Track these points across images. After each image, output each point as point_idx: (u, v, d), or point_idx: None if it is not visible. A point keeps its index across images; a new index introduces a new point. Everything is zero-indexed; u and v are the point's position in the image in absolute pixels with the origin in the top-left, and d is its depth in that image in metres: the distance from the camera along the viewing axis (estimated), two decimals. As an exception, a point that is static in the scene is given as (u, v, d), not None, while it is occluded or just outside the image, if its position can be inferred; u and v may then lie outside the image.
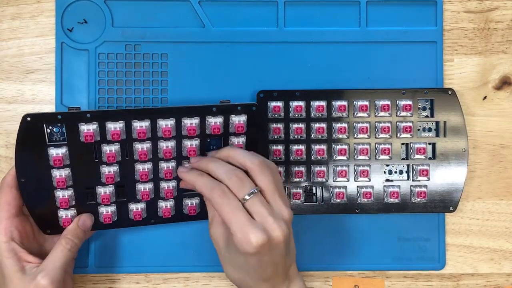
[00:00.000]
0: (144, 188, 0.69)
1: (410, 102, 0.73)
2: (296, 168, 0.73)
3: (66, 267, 0.66)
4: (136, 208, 0.70)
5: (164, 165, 0.69)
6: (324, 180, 0.73)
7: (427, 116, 0.74)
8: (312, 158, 0.73)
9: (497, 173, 0.77)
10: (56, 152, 0.65)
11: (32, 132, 0.64)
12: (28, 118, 0.63)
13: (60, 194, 0.67)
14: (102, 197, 0.68)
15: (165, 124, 0.66)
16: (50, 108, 0.75)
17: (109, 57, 0.75)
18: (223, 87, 0.74)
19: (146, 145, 0.67)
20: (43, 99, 0.75)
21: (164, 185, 0.70)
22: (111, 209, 0.70)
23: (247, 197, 0.60)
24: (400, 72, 0.76)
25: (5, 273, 0.64)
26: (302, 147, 0.73)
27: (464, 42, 0.77)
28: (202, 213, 0.72)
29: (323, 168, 0.73)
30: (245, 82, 0.75)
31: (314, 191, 0.74)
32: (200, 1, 0.75)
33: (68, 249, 0.66)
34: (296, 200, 0.73)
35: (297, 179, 0.73)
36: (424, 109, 0.74)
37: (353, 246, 0.75)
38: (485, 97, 0.77)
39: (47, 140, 0.65)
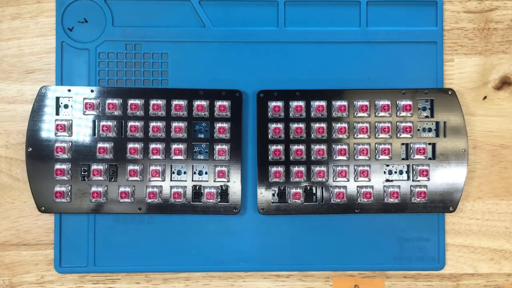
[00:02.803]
0: (133, 167, 0.73)
1: (410, 102, 0.73)
2: (296, 168, 0.73)
3: None
4: (125, 189, 0.73)
5: (152, 145, 0.74)
6: (324, 180, 0.73)
7: (427, 116, 0.74)
8: (312, 158, 0.73)
9: (497, 173, 0.77)
10: (61, 122, 0.73)
11: (46, 103, 0.73)
12: (44, 90, 0.73)
13: (58, 166, 0.73)
14: (93, 170, 0.73)
15: (156, 102, 0.73)
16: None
17: (110, 56, 0.75)
18: (223, 87, 0.74)
19: (140, 123, 0.73)
20: (43, 98, 0.75)
21: (152, 167, 0.74)
22: (102, 189, 0.73)
23: None
24: (400, 72, 0.76)
25: None
26: (302, 147, 0.73)
27: (464, 42, 0.77)
28: (187, 206, 0.74)
29: (323, 168, 0.73)
30: (245, 82, 0.75)
31: (314, 191, 0.74)
32: (200, 1, 0.75)
33: None
34: (296, 200, 0.73)
35: (297, 179, 0.73)
36: (424, 109, 0.74)
37: (353, 246, 0.75)
38: (485, 97, 0.77)
39: (58, 112, 0.74)
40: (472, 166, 0.77)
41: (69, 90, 0.73)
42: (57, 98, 0.73)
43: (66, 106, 0.74)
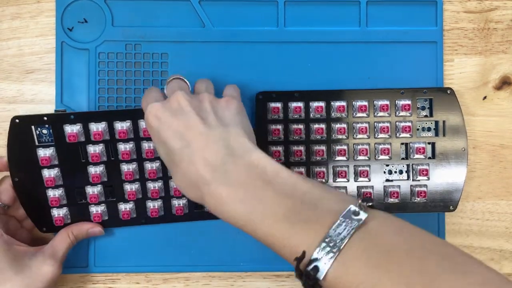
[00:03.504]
0: (130, 188, 0.72)
1: (409, 102, 0.73)
2: (296, 169, 0.73)
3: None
4: (125, 208, 0.72)
5: (148, 165, 0.71)
6: (324, 180, 0.73)
7: (426, 116, 0.74)
8: (312, 159, 0.73)
9: (497, 173, 0.77)
10: (44, 153, 0.69)
11: (22, 133, 0.69)
12: (17, 120, 0.69)
13: (51, 193, 0.70)
14: (90, 196, 0.71)
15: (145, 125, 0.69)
16: (50, 108, 0.75)
17: (109, 56, 0.75)
18: (223, 87, 0.74)
19: (129, 146, 0.70)
20: (43, 99, 0.75)
21: (150, 185, 0.72)
22: (101, 208, 0.72)
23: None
24: (400, 72, 0.76)
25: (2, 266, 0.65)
26: (301, 148, 0.73)
27: (464, 42, 0.77)
28: (190, 214, 0.74)
29: (323, 169, 0.73)
30: (245, 82, 0.75)
31: (314, 191, 0.74)
32: (200, 1, 0.75)
33: (71, 241, 0.70)
34: (296, 201, 0.73)
35: (296, 180, 0.73)
36: (423, 108, 0.74)
37: (353, 246, 0.75)
38: (485, 97, 0.77)
39: (36, 141, 0.69)
40: (472, 166, 0.77)
41: (45, 118, 0.69)
42: (34, 127, 0.69)
43: (45, 134, 0.69)
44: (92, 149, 0.70)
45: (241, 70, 0.75)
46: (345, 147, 0.73)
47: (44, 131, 0.69)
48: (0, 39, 0.76)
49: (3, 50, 0.76)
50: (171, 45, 0.75)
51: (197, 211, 0.74)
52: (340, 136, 0.73)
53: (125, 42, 0.75)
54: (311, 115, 0.73)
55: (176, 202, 0.73)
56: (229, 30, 0.75)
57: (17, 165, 0.69)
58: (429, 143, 0.74)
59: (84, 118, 0.69)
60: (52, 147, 0.69)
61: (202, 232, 0.75)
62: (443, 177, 0.74)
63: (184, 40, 0.75)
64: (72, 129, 0.69)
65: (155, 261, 0.75)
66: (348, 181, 0.74)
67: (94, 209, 0.72)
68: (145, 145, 0.71)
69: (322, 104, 0.73)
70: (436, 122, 0.74)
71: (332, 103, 0.73)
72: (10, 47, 0.76)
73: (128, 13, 0.75)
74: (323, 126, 0.73)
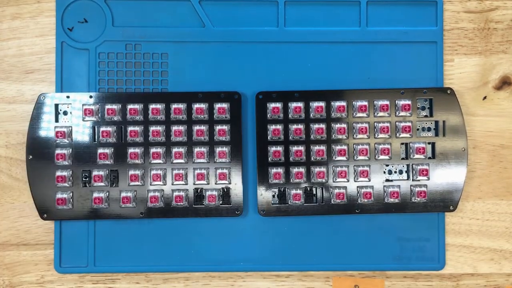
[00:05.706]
0: (134, 172, 0.73)
1: (409, 102, 0.73)
2: (296, 169, 0.73)
3: None
4: (127, 195, 0.73)
5: (154, 150, 0.73)
6: (324, 180, 0.73)
7: (426, 116, 0.74)
8: (312, 159, 0.73)
9: (497, 173, 0.77)
10: (61, 127, 0.73)
11: (45, 110, 0.73)
12: (42, 97, 0.73)
13: (59, 173, 0.73)
14: (94, 177, 0.73)
15: (155, 106, 0.74)
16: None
17: (110, 56, 0.75)
18: (223, 87, 0.74)
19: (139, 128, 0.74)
20: (43, 99, 0.75)
21: (153, 172, 0.74)
22: (104, 195, 0.73)
23: None
24: (400, 72, 0.76)
25: None
26: (301, 148, 0.73)
27: (464, 42, 0.77)
28: (191, 209, 0.74)
29: (323, 169, 0.73)
30: (245, 82, 0.75)
31: (314, 192, 0.74)
32: (200, 1, 0.75)
33: None
34: (296, 201, 0.73)
35: (297, 180, 0.73)
36: (423, 108, 0.74)
37: (353, 246, 0.75)
38: (485, 97, 0.77)
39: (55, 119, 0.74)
40: (472, 166, 0.77)
41: (67, 97, 0.73)
42: (56, 105, 0.73)
43: (65, 113, 0.73)
44: (104, 128, 0.73)
45: (241, 70, 0.75)
46: (345, 147, 0.73)
47: (66, 110, 0.74)
48: (0, 39, 0.76)
49: (3, 50, 0.76)
50: (171, 45, 0.75)
51: (197, 206, 0.74)
52: (340, 136, 0.73)
53: (125, 42, 0.75)
54: (311, 115, 0.73)
55: (177, 193, 0.74)
56: (229, 30, 0.75)
57: (35, 142, 0.73)
58: (429, 143, 0.74)
59: (102, 99, 0.74)
60: (70, 127, 0.73)
61: (201, 232, 0.75)
62: (443, 177, 0.74)
63: (184, 40, 0.75)
64: (90, 106, 0.74)
65: (155, 261, 0.75)
66: (348, 181, 0.74)
67: (97, 195, 0.73)
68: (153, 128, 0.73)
69: (322, 104, 0.73)
70: (436, 122, 0.74)
71: (332, 103, 0.73)
72: (10, 47, 0.76)
73: (128, 13, 0.75)
74: (323, 126, 0.73)
